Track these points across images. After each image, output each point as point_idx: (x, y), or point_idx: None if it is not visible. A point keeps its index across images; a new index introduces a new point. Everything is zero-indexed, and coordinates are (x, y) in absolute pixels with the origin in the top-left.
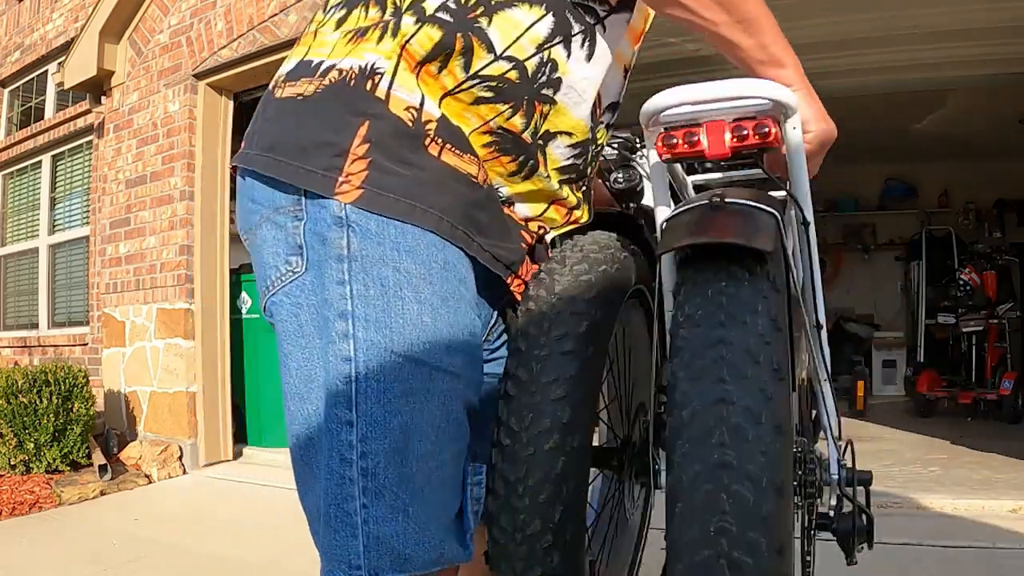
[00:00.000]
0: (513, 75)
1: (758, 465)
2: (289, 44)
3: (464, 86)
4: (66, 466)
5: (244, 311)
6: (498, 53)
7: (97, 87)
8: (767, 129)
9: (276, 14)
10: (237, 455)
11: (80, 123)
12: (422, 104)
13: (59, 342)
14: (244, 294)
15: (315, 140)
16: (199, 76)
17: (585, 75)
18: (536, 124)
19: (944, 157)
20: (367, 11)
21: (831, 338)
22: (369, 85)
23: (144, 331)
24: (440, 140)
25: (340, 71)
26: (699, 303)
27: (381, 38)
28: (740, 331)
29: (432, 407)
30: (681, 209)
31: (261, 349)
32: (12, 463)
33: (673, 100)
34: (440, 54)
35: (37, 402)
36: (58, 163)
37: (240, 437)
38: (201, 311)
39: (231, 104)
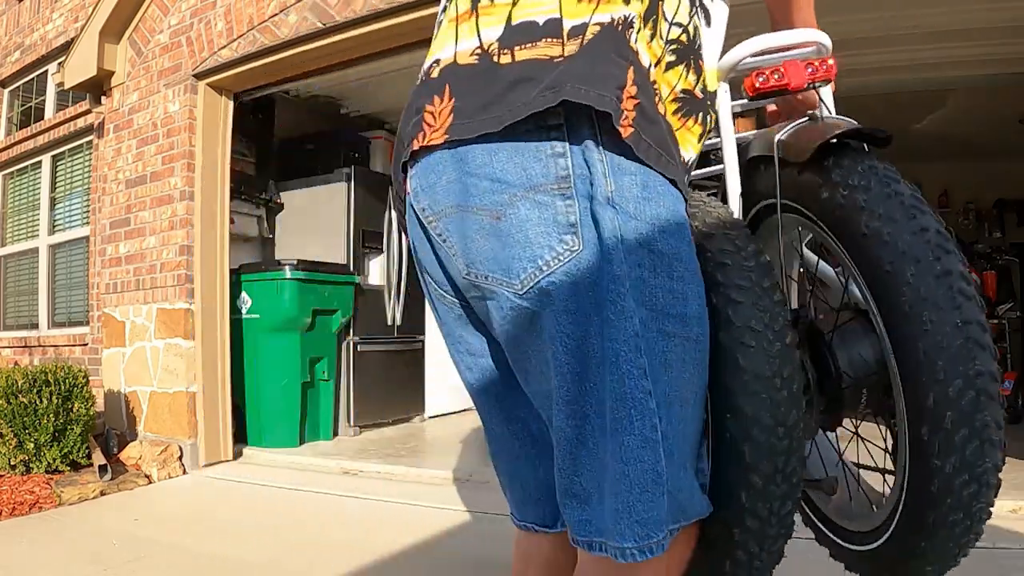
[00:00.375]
0: (684, 38)
1: (962, 272)
2: (289, 44)
3: (665, 56)
4: (66, 466)
5: (244, 311)
6: (670, 20)
7: (97, 87)
8: (830, 64)
9: (276, 14)
10: (237, 455)
11: (80, 123)
12: (650, 67)
13: (59, 342)
14: (244, 294)
15: (597, 74)
16: (199, 76)
17: (712, 39)
18: (704, 82)
19: (944, 157)
20: None
21: None
22: (628, 35)
23: (144, 331)
24: (663, 104)
25: (600, 24)
26: (858, 175)
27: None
28: (902, 187)
29: (687, 376)
30: (794, 126)
31: (261, 349)
32: (12, 463)
33: (755, 48)
34: (649, 20)
35: (37, 402)
36: (58, 163)
37: (240, 437)
38: (201, 311)
39: (231, 104)
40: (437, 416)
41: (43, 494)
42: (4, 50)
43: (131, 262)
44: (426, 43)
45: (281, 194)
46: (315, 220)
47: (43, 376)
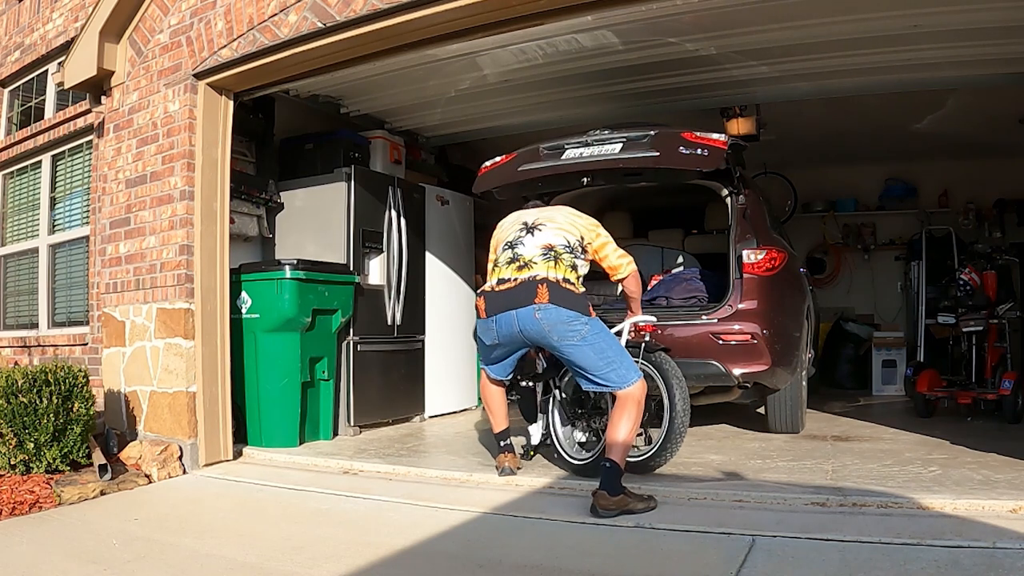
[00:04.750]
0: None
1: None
2: (289, 44)
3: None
4: (66, 466)
5: (244, 311)
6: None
7: (97, 87)
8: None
9: (276, 14)
10: (237, 455)
11: (80, 123)
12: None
13: (59, 342)
14: (244, 294)
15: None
16: (199, 76)
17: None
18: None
19: (944, 157)
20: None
21: (831, 338)
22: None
23: (144, 331)
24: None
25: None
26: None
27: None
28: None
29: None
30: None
31: (261, 349)
32: (12, 463)
33: (630, 323)
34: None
35: (37, 402)
36: (58, 163)
37: (240, 437)
38: (201, 311)
39: (231, 104)
40: (437, 416)
41: (43, 494)
42: (4, 50)
43: (131, 262)
44: (426, 43)
45: (281, 194)
46: (315, 220)
47: (43, 376)
